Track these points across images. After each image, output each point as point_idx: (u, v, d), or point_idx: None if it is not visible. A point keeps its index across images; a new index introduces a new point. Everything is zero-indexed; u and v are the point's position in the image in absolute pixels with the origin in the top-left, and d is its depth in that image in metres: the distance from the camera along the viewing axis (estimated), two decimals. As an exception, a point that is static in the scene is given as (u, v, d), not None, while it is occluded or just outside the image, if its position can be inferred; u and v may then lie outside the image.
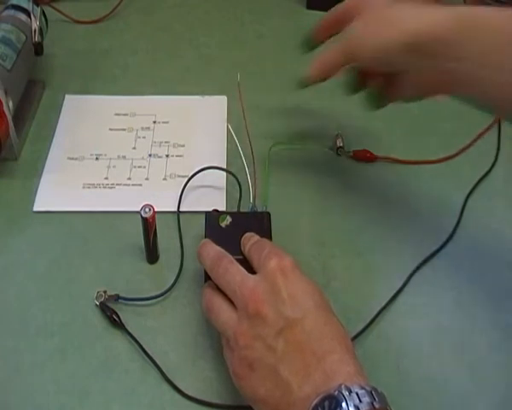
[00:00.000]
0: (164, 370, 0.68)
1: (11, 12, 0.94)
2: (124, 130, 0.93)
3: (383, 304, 0.74)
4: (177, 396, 0.67)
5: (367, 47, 0.69)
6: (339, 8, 0.77)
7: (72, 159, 0.89)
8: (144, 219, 0.72)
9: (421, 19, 0.65)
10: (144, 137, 0.92)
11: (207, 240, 0.70)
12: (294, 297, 0.59)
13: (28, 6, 0.94)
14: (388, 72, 0.72)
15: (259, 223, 0.75)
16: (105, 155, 0.90)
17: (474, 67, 0.62)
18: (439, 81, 0.67)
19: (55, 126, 0.93)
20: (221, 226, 0.74)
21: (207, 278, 0.70)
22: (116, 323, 0.72)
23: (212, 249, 0.68)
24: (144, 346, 0.70)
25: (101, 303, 0.73)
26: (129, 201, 0.84)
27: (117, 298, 0.73)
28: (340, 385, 0.52)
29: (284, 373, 0.56)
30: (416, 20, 0.66)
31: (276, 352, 0.57)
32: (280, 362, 0.57)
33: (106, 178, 0.87)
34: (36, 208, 0.83)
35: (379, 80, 0.75)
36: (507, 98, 0.62)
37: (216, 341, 0.71)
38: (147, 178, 0.87)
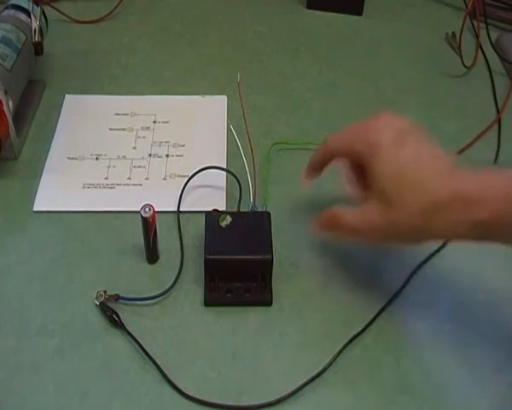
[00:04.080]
0: (164, 370, 0.68)
1: (11, 12, 0.94)
2: (124, 130, 0.93)
3: (383, 304, 0.74)
4: (177, 396, 0.67)
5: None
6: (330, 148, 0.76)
7: (72, 159, 0.89)
8: (144, 219, 0.72)
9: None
10: (144, 137, 0.92)
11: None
12: None
13: (28, 6, 0.94)
14: None
15: (259, 223, 0.75)
16: (105, 154, 0.90)
17: None
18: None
19: (55, 126, 0.93)
20: (221, 226, 0.74)
21: (207, 275, 0.71)
22: (116, 323, 0.72)
23: None
24: (144, 346, 0.70)
25: (101, 303, 0.73)
26: (129, 201, 0.84)
27: (117, 298, 0.73)
28: None
29: None
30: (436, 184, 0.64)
31: None
32: None
33: (106, 178, 0.87)
34: (36, 208, 0.83)
35: None
36: None
37: (216, 341, 0.71)
38: (147, 178, 0.87)
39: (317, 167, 0.77)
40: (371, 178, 0.67)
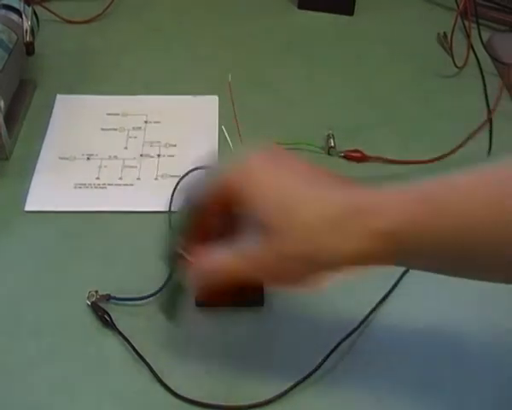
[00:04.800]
0: (155, 370, 0.68)
1: (2, 12, 0.94)
2: (115, 130, 0.93)
3: (374, 305, 0.74)
4: (169, 396, 0.67)
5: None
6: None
7: (64, 159, 0.89)
8: None
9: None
10: (136, 137, 0.92)
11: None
12: None
13: (19, 6, 0.94)
14: None
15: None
16: (96, 154, 0.90)
17: None
18: None
19: (47, 126, 0.93)
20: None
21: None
22: (107, 323, 0.72)
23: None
24: (136, 346, 0.70)
25: (92, 303, 0.73)
26: (120, 201, 0.84)
27: (108, 298, 0.73)
28: None
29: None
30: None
31: None
32: None
33: (97, 178, 0.87)
34: (27, 208, 0.83)
35: None
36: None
37: (208, 341, 0.71)
38: (138, 178, 0.87)
39: None
40: (244, 212, 0.56)
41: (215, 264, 0.58)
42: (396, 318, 0.74)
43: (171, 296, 0.67)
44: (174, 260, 0.62)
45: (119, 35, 1.10)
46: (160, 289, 0.74)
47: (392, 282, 0.76)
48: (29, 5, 0.95)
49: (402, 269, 0.77)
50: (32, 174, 0.87)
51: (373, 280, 0.76)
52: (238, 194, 0.56)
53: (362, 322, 0.73)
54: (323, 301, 0.75)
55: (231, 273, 0.57)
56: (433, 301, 0.76)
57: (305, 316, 0.74)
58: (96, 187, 0.86)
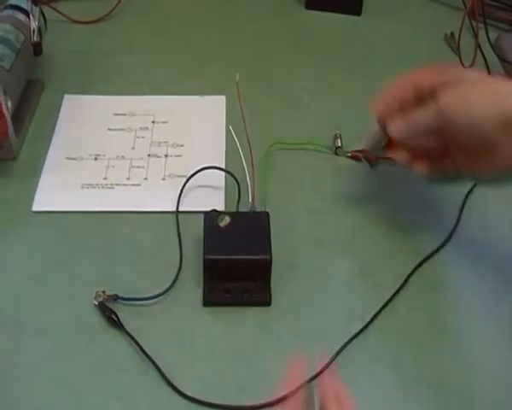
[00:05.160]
0: (162, 370, 0.68)
1: (10, 12, 0.94)
2: (123, 130, 0.93)
3: (382, 304, 0.74)
4: (176, 396, 0.67)
5: (461, 114, 0.67)
6: (407, 79, 0.76)
7: (71, 159, 0.89)
8: None
9: None
10: (143, 137, 0.92)
11: None
12: None
13: (27, 6, 0.94)
14: (474, 144, 0.68)
15: (258, 223, 0.75)
16: (104, 155, 0.90)
17: None
18: None
19: (54, 126, 0.93)
20: (220, 226, 0.74)
21: (206, 275, 0.71)
22: (115, 323, 0.72)
23: None
24: (143, 346, 0.70)
25: (99, 303, 0.73)
26: (128, 201, 0.84)
27: (115, 298, 0.73)
28: None
29: None
30: (509, 92, 0.66)
31: None
32: None
33: (105, 179, 0.87)
34: (35, 208, 0.83)
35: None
36: None
37: (215, 341, 0.71)
38: (146, 178, 0.87)
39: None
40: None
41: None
42: (403, 317, 0.74)
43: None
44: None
45: (127, 35, 1.10)
46: (168, 289, 0.75)
47: (398, 285, 0.76)
48: (36, 5, 0.95)
49: (407, 272, 0.77)
50: (40, 174, 0.87)
51: (376, 283, 0.77)
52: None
53: (369, 322, 0.73)
54: (330, 300, 0.75)
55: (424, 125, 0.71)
56: (432, 307, 0.76)
57: (313, 316, 0.74)
58: (103, 187, 0.86)
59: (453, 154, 0.71)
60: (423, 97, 0.72)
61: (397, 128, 0.74)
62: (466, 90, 0.68)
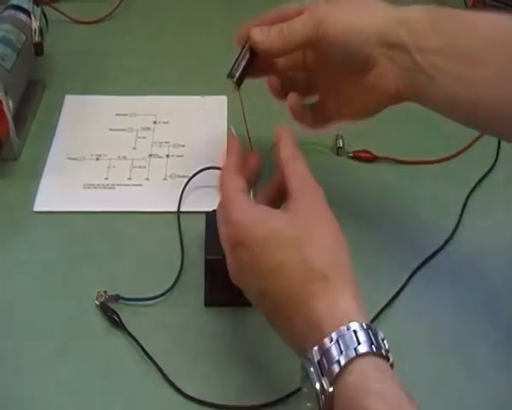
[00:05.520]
0: (164, 370, 0.68)
1: (11, 12, 0.94)
2: (124, 130, 0.93)
3: (383, 304, 0.74)
4: (178, 396, 0.67)
5: (338, 25, 0.67)
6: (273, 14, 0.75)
7: (73, 159, 0.89)
8: None
9: (391, 10, 0.67)
10: (144, 138, 0.92)
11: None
12: None
13: (28, 6, 0.94)
14: (348, 61, 0.69)
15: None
16: (105, 155, 0.90)
17: (443, 61, 0.64)
18: (402, 85, 0.68)
19: (56, 127, 0.93)
20: (221, 227, 0.74)
21: (208, 275, 0.71)
22: (116, 323, 0.72)
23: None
24: (144, 346, 0.70)
25: (101, 303, 0.73)
26: (129, 201, 0.84)
27: (117, 298, 0.73)
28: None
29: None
30: (387, 11, 0.67)
31: None
32: None
33: (106, 179, 0.87)
34: (36, 208, 0.83)
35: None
36: (482, 97, 0.64)
37: (217, 341, 0.71)
38: (147, 179, 0.87)
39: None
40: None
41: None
42: (401, 320, 0.74)
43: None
44: None
45: (128, 35, 1.10)
46: (169, 290, 0.75)
47: (399, 285, 0.76)
48: (38, 5, 0.95)
49: (408, 272, 0.77)
50: (41, 175, 0.87)
51: (377, 284, 0.76)
52: None
53: (371, 322, 0.72)
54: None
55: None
56: (434, 308, 0.76)
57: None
58: (104, 187, 0.86)
59: (323, 87, 0.74)
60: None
61: (267, 37, 0.71)
62: (341, 5, 0.69)
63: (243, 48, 0.74)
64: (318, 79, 0.77)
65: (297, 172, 0.64)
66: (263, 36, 0.71)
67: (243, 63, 0.74)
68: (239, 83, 0.75)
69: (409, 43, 0.65)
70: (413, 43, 0.65)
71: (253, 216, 0.59)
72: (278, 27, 0.70)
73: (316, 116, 0.78)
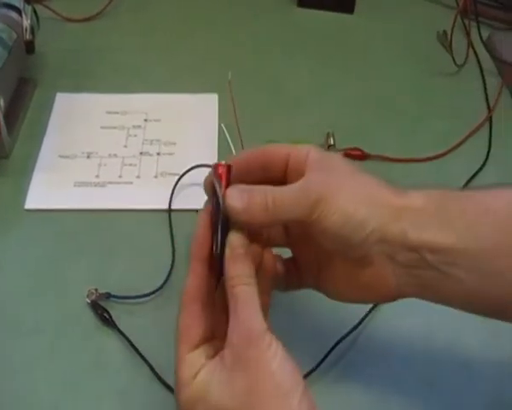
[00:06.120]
0: (155, 368, 0.68)
1: (2, 10, 0.94)
2: (115, 128, 0.93)
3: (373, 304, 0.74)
4: (169, 394, 0.67)
5: (337, 213, 0.54)
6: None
7: (64, 157, 0.89)
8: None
9: (394, 198, 0.57)
10: (135, 136, 0.92)
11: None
12: None
13: (19, 4, 0.94)
14: (341, 252, 0.58)
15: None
16: (96, 153, 0.90)
17: (457, 257, 0.54)
18: (404, 281, 0.59)
19: (47, 125, 0.93)
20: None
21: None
22: (107, 321, 0.72)
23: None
24: (136, 344, 0.70)
25: (92, 301, 0.73)
26: (120, 199, 0.84)
27: (108, 296, 0.73)
28: None
29: None
30: (390, 200, 0.56)
31: None
32: None
33: (97, 176, 0.86)
34: (27, 206, 0.83)
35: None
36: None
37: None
38: (138, 176, 0.87)
39: None
40: None
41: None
42: (395, 316, 0.74)
43: None
44: None
45: (119, 33, 1.10)
46: (160, 288, 0.75)
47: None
48: (29, 3, 0.95)
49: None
50: (32, 173, 0.87)
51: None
52: None
53: (361, 321, 0.73)
54: (322, 300, 0.75)
55: None
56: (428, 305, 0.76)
57: (305, 315, 0.74)
58: (95, 185, 0.86)
59: (305, 261, 0.64)
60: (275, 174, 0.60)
61: (247, 206, 0.54)
62: (344, 185, 0.57)
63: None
64: (300, 252, 0.65)
65: (240, 321, 0.53)
66: (242, 204, 0.54)
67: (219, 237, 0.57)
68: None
69: (413, 240, 0.55)
70: (418, 240, 0.55)
71: (191, 395, 0.52)
72: (262, 198, 0.54)
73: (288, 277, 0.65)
